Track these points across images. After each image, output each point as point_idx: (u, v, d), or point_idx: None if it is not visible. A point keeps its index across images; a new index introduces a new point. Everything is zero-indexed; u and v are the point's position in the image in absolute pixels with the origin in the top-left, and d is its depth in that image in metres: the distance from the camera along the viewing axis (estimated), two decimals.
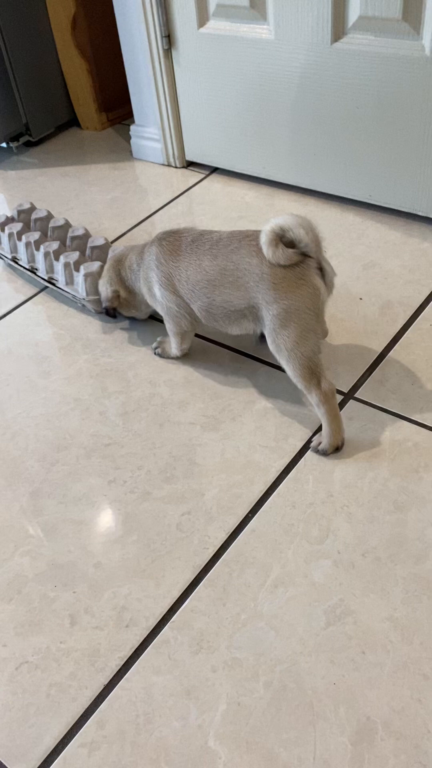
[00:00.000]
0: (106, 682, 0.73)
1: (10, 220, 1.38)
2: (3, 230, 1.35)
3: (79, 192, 1.59)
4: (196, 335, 1.15)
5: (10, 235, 1.32)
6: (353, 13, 1.19)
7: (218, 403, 1.03)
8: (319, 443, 0.93)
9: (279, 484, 0.91)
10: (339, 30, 1.23)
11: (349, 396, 1.01)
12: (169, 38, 1.45)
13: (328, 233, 1.35)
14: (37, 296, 1.30)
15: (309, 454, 0.94)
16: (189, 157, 1.61)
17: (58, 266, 1.24)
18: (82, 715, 0.71)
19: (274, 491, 0.90)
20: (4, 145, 1.78)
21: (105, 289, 1.13)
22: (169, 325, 1.07)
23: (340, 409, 0.99)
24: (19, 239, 1.31)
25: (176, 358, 1.12)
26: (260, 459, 0.94)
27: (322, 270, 0.90)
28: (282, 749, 0.67)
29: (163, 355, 1.12)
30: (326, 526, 0.85)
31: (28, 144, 1.81)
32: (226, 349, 1.12)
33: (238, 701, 0.71)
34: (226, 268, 0.94)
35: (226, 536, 0.86)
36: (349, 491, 0.89)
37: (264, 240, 0.88)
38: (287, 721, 0.69)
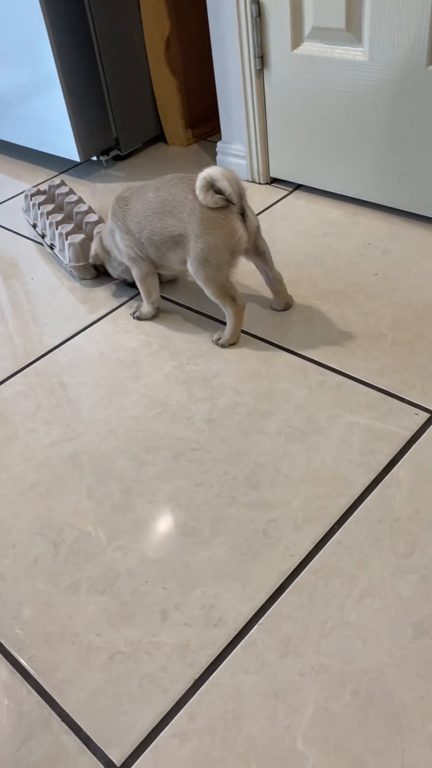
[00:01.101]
0: (196, 677, 0.76)
1: (40, 192, 1.61)
2: (31, 200, 1.59)
3: None
4: (281, 348, 1.18)
5: (33, 205, 1.57)
6: None
7: (303, 414, 1.05)
8: (219, 338, 1.20)
9: (365, 498, 0.92)
10: None
11: None
12: (262, 59, 1.49)
13: (412, 252, 1.36)
14: (126, 304, 1.35)
15: (396, 470, 0.95)
16: (273, 173, 1.65)
17: (56, 234, 1.45)
18: (173, 707, 0.74)
19: (360, 505, 0.91)
20: (94, 158, 1.85)
21: (91, 248, 1.35)
22: (134, 271, 1.24)
23: (425, 429, 1.00)
24: (38, 209, 1.55)
25: (152, 319, 1.29)
26: (346, 472, 0.96)
27: (244, 215, 1.09)
28: (370, 757, 0.68)
29: (141, 317, 1.29)
30: (413, 541, 0.86)
31: (117, 158, 1.88)
32: (310, 363, 1.14)
33: (326, 706, 0.72)
34: (165, 198, 1.13)
35: (312, 545, 0.87)
36: None
37: (197, 186, 1.07)
38: (375, 729, 0.70)
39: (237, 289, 1.16)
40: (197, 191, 1.07)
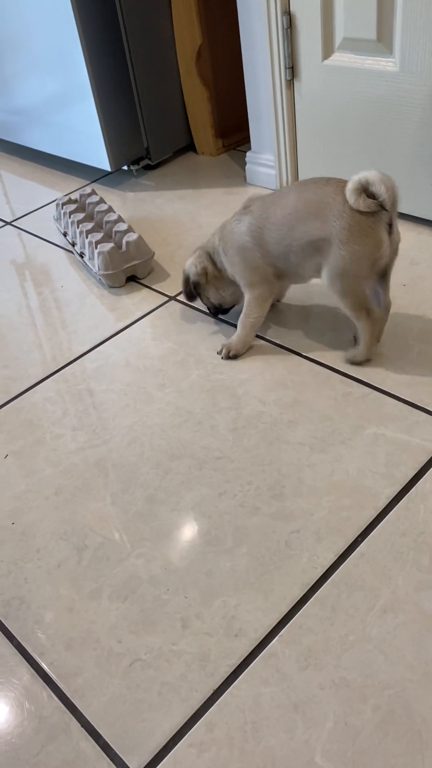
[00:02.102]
0: (215, 687, 0.76)
1: (71, 201, 1.63)
2: (62, 208, 1.60)
3: (194, 215, 1.66)
4: (307, 358, 1.17)
5: (64, 213, 1.59)
6: None
7: (327, 425, 1.05)
8: (354, 355, 1.14)
9: (389, 511, 0.91)
10: None
11: None
12: (292, 70, 1.50)
13: None
14: (153, 312, 1.36)
15: (421, 483, 0.94)
16: None
17: (86, 243, 1.46)
18: (192, 716, 0.74)
19: (384, 517, 0.90)
20: (125, 167, 1.88)
21: (194, 266, 1.21)
22: (256, 292, 1.16)
23: None
24: (69, 217, 1.56)
25: (244, 354, 1.21)
26: (370, 484, 0.95)
27: (391, 227, 1.02)
28: None
29: (237, 353, 1.20)
30: None
31: (147, 167, 1.90)
32: (336, 373, 1.14)
33: (345, 721, 0.72)
34: (310, 199, 1.05)
35: (335, 557, 0.87)
36: None
37: (350, 187, 1.00)
38: (395, 746, 0.69)
39: (371, 300, 1.09)
40: (348, 193, 1.00)
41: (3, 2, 1.70)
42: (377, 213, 1.00)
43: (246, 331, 1.19)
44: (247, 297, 1.18)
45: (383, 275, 1.10)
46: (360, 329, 1.11)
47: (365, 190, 0.99)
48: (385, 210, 1.00)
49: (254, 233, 1.11)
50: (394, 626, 0.79)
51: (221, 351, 1.21)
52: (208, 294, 1.25)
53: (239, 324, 1.20)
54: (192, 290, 1.23)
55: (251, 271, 1.15)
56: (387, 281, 1.12)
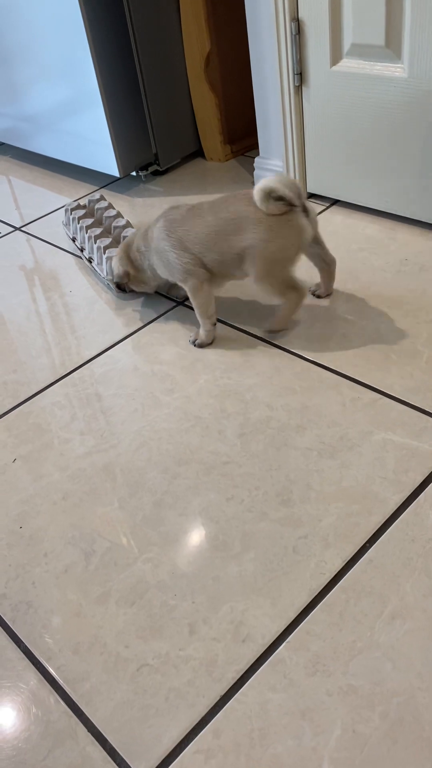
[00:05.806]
0: (222, 693, 0.76)
1: (80, 207, 1.65)
2: (71, 214, 1.62)
3: None
4: (315, 364, 1.17)
5: (73, 219, 1.61)
6: None
7: (336, 431, 1.05)
8: (272, 324, 1.25)
9: (398, 517, 0.91)
10: None
11: None
12: (300, 76, 1.50)
13: None
14: (161, 317, 1.36)
15: (429, 489, 0.93)
16: (310, 189, 1.65)
17: (94, 248, 1.48)
18: (199, 722, 0.74)
19: (392, 524, 0.90)
20: (133, 173, 1.88)
21: (117, 268, 1.31)
22: (189, 284, 1.21)
23: None
24: (78, 223, 1.58)
25: (212, 343, 1.26)
26: (379, 490, 0.94)
27: (306, 210, 1.13)
28: None
29: (203, 344, 1.26)
30: None
31: (156, 173, 1.91)
32: (344, 379, 1.14)
33: (353, 728, 0.71)
34: (227, 218, 1.15)
35: (343, 564, 0.86)
36: None
37: (257, 199, 1.10)
38: (404, 754, 0.69)
39: (296, 278, 1.19)
40: (259, 203, 1.10)
41: (13, 11, 1.72)
42: (291, 209, 1.11)
43: (201, 321, 1.25)
44: (185, 290, 1.25)
45: (316, 242, 1.22)
46: (284, 303, 1.21)
47: (271, 196, 1.09)
48: (295, 206, 1.10)
49: (174, 243, 1.19)
50: (402, 633, 0.78)
51: (194, 339, 1.28)
52: (135, 287, 1.34)
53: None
54: (121, 288, 1.35)
55: (175, 271, 1.22)
56: (320, 242, 1.24)
